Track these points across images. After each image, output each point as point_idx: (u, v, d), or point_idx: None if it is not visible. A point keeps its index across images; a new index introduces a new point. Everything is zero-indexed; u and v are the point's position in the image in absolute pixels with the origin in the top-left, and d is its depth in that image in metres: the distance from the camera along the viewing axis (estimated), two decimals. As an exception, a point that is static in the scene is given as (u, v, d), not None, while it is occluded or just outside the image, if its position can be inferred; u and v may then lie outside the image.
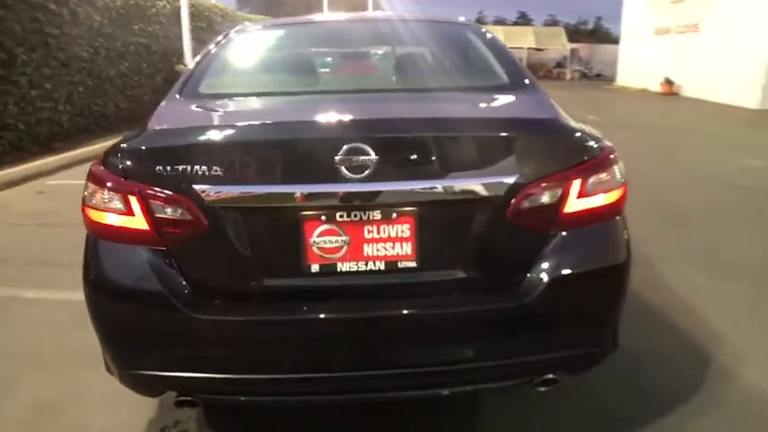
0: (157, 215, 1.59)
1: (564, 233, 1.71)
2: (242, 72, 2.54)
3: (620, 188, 1.78)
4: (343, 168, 1.54)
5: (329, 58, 3.03)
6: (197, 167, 1.56)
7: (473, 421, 2.15)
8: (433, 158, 1.61)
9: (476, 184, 1.62)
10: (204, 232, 1.59)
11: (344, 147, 1.54)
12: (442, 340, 1.68)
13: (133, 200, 1.60)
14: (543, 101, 2.03)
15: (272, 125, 1.69)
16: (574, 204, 1.69)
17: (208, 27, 14.05)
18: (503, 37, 42.95)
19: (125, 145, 1.70)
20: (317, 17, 2.82)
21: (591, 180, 1.70)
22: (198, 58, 2.49)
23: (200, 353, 1.65)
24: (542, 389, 1.85)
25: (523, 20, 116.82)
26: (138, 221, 1.60)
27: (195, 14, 12.94)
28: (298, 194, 1.58)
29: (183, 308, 1.59)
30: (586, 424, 2.14)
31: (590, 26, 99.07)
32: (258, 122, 1.73)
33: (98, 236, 1.70)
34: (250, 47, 2.64)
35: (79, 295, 1.75)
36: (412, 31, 2.72)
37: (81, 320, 1.88)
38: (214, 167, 1.56)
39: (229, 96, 2.19)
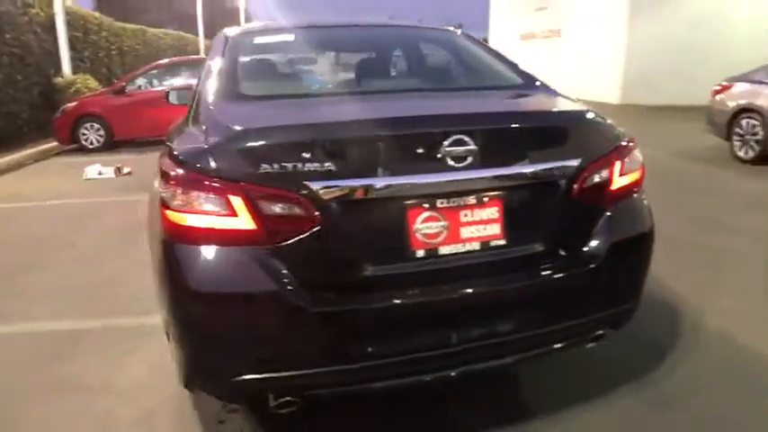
0: (266, 213, 1.59)
1: (612, 206, 2.00)
2: (272, 75, 2.53)
3: (641, 167, 2.11)
4: (447, 158, 1.68)
5: (348, 62, 3.05)
6: (308, 164, 1.59)
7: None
8: (516, 146, 1.82)
9: (550, 168, 1.84)
10: (315, 227, 1.61)
11: (449, 138, 1.68)
12: (531, 308, 1.88)
13: (236, 200, 1.58)
14: (566, 97, 2.29)
15: (377, 121, 1.75)
16: (617, 181, 2.00)
17: (84, 36, 13.01)
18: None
19: (214, 145, 1.66)
20: (316, 23, 2.85)
21: (626, 160, 2.02)
22: (212, 64, 2.40)
23: (315, 347, 1.68)
24: (591, 344, 2.12)
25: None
26: (243, 221, 1.59)
27: (71, 23, 11.93)
28: (408, 185, 1.68)
29: (299, 304, 1.61)
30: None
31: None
32: (363, 119, 1.78)
33: (187, 240, 1.64)
34: (262, 51, 2.62)
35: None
36: (409, 36, 2.90)
37: None
38: (326, 163, 1.60)
39: (284, 97, 2.20)
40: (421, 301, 1.72)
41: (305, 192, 1.60)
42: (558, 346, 2.01)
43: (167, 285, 1.72)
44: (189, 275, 1.63)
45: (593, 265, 1.92)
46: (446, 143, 1.68)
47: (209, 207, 1.60)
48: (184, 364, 1.75)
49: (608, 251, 1.95)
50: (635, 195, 2.10)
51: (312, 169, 1.60)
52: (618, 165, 1.99)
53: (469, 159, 1.70)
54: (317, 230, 1.62)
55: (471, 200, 1.77)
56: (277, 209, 1.60)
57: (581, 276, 1.91)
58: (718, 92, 7.63)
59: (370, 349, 1.71)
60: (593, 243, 1.95)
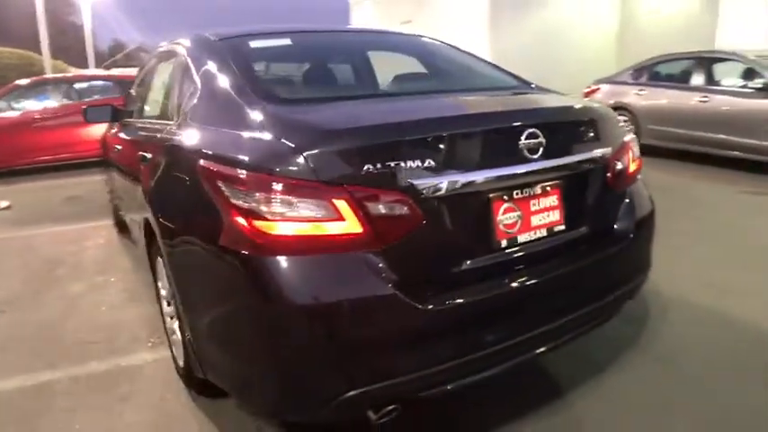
0: (372, 215, 1.53)
1: (629, 189, 2.22)
2: (294, 79, 2.38)
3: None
4: (524, 151, 1.76)
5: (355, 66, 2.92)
6: (408, 162, 1.57)
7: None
8: (569, 138, 1.96)
9: (593, 156, 2.00)
10: (419, 225, 1.59)
11: (525, 132, 1.76)
12: (588, 286, 2.00)
13: (341, 203, 1.50)
14: (570, 96, 2.47)
15: (466, 118, 1.79)
16: (631, 167, 2.22)
17: None
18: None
19: (307, 148, 1.53)
20: (302, 28, 2.73)
21: (634, 149, 2.27)
22: (215, 67, 2.17)
23: (427, 346, 1.62)
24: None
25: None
26: (350, 225, 1.51)
27: None
28: (495, 177, 1.71)
29: (413, 304, 1.55)
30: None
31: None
32: (449, 116, 1.79)
33: (284, 251, 1.51)
34: (265, 56, 2.44)
35: None
36: (402, 41, 2.96)
37: None
38: (425, 160, 1.59)
39: (328, 100, 2.10)
40: (512, 289, 1.76)
41: (408, 190, 1.57)
42: (604, 319, 2.16)
43: (255, 306, 1.56)
44: (291, 289, 1.50)
45: (624, 243, 2.10)
46: (523, 137, 1.76)
47: (310, 213, 1.50)
48: (277, 391, 1.61)
49: (634, 229, 2.14)
50: (639, 179, 2.33)
51: (413, 167, 1.58)
52: (631, 152, 2.22)
53: (540, 151, 1.79)
54: (421, 228, 1.59)
55: (538, 189, 1.86)
56: (382, 209, 1.54)
57: (617, 253, 2.08)
58: (587, 94, 8.56)
59: (476, 341, 1.71)
60: (623, 223, 2.14)
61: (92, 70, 19.31)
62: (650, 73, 7.75)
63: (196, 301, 1.91)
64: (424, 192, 1.58)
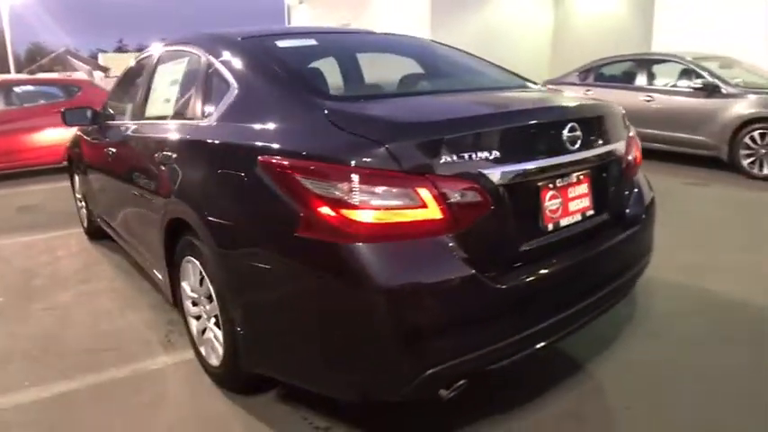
0: (450, 202, 1.63)
1: (636, 177, 2.44)
2: (332, 77, 2.41)
3: None
4: (567, 143, 1.93)
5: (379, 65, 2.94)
6: (479, 152, 1.71)
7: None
8: (597, 132, 2.14)
9: (613, 148, 2.21)
10: (488, 211, 1.72)
11: (567, 126, 1.94)
12: (612, 266, 2.20)
13: (424, 191, 1.60)
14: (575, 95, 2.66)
15: (520, 113, 1.94)
16: (637, 157, 2.45)
17: None
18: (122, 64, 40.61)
19: (388, 140, 1.62)
20: (316, 29, 2.78)
21: (637, 140, 2.47)
22: (252, 66, 2.20)
23: (498, 322, 1.75)
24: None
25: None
26: (432, 212, 1.61)
27: None
28: (546, 166, 1.88)
29: (487, 283, 1.68)
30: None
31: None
32: (510, 111, 1.96)
33: (372, 238, 1.59)
34: (295, 55, 2.44)
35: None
36: (414, 43, 3.05)
37: None
38: (492, 151, 1.73)
39: (374, 97, 2.20)
40: (560, 268, 1.91)
41: (478, 178, 1.70)
42: (623, 294, 2.35)
43: (343, 291, 1.63)
44: (381, 274, 1.58)
45: (638, 226, 2.30)
46: (565, 130, 1.93)
47: (396, 201, 1.58)
48: (364, 373, 1.69)
49: (644, 213, 2.35)
50: (639, 168, 2.55)
51: (482, 157, 1.71)
52: (635, 144, 2.44)
53: (578, 144, 1.97)
54: (490, 214, 1.72)
55: (574, 178, 2.02)
56: (458, 196, 1.65)
57: (633, 235, 2.27)
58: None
59: (535, 316, 1.86)
60: (635, 208, 2.35)
61: (41, 74, 18.23)
62: (596, 74, 8.22)
63: (258, 293, 1.92)
64: (491, 180, 1.72)
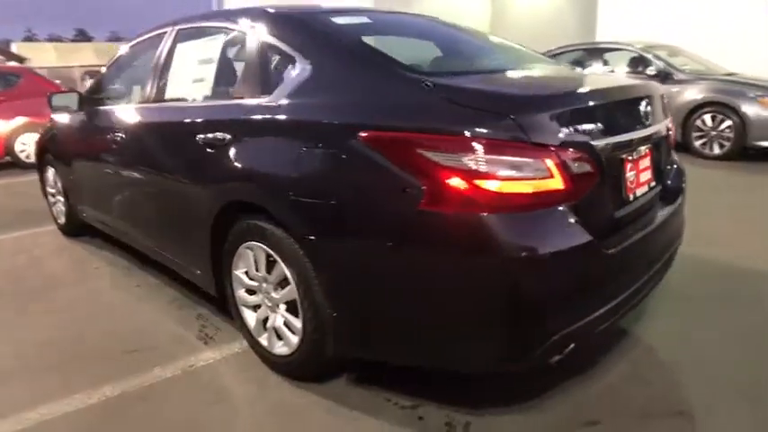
0: (570, 173, 1.68)
1: (672, 152, 2.58)
2: (403, 54, 2.36)
3: None
4: (642, 118, 2.08)
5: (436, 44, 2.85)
6: (589, 125, 1.80)
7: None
8: (657, 109, 2.27)
9: (667, 124, 2.39)
10: (597, 181, 1.79)
11: (643, 102, 2.09)
12: (671, 232, 2.34)
13: (550, 162, 1.64)
14: None
15: (618, 88, 2.10)
16: (673, 134, 2.59)
17: None
18: (56, 56, 37.34)
19: (516, 113, 1.65)
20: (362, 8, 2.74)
21: (672, 121, 2.62)
22: (328, 42, 2.18)
23: (606, 286, 1.85)
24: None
25: (83, 37, 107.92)
26: (558, 182, 1.65)
27: None
28: (633, 139, 2.00)
29: (601, 249, 1.76)
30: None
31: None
32: (610, 87, 2.09)
33: (504, 208, 1.61)
34: (356, 32, 2.34)
35: None
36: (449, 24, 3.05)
37: None
38: (598, 124, 1.83)
39: (464, 74, 2.23)
40: (643, 234, 2.03)
41: (590, 150, 1.77)
42: (672, 260, 2.49)
43: (477, 262, 1.63)
44: (515, 243, 1.61)
45: (681, 197, 2.46)
46: (641, 106, 2.07)
47: (527, 173, 1.61)
48: (498, 343, 1.71)
49: (684, 186, 2.52)
50: None
51: (590, 130, 1.80)
52: (672, 123, 2.59)
53: (649, 119, 2.11)
54: (598, 183, 1.80)
55: (642, 151, 2.13)
56: (576, 167, 1.71)
57: (680, 205, 2.44)
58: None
59: (632, 279, 1.99)
60: (676, 181, 2.51)
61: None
62: (551, 62, 8.54)
63: (365, 273, 1.85)
64: (597, 151, 1.79)
